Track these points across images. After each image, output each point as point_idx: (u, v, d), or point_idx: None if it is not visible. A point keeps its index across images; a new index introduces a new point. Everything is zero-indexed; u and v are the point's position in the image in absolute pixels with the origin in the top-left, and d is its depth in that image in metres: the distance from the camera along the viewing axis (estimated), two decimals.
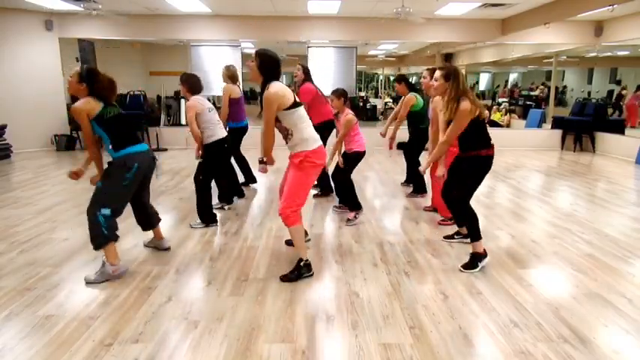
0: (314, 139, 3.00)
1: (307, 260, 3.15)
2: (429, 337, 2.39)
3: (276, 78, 2.96)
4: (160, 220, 3.60)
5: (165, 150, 9.22)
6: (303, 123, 2.97)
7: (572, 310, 2.70)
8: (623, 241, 3.91)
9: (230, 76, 5.13)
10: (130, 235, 3.95)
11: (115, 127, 3.03)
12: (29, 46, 8.58)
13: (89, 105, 2.96)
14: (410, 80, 5.43)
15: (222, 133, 4.21)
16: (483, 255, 3.32)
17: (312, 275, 3.14)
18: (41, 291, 2.90)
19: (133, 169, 3.03)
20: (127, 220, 4.35)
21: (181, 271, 3.23)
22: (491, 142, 3.28)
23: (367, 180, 6.34)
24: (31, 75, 8.61)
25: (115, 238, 3.15)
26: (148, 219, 3.52)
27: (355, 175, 4.92)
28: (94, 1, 6.98)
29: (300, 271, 3.11)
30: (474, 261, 3.30)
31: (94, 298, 2.81)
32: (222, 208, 4.80)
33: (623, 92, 12.09)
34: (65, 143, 8.98)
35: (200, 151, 4.18)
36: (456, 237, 3.89)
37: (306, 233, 3.65)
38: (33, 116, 8.68)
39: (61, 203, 5.04)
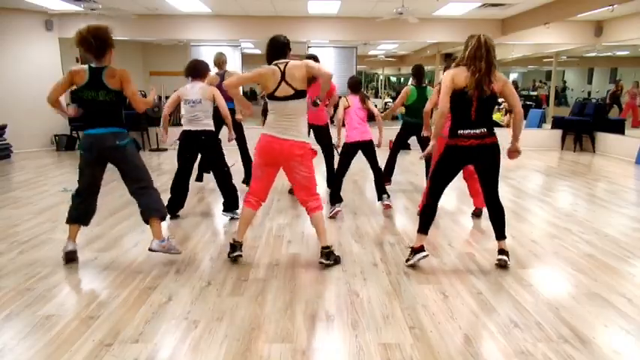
0: (265, 128, 3.17)
1: (232, 240, 3.36)
2: (429, 337, 2.39)
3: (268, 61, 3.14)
4: (151, 215, 3.23)
5: (165, 150, 9.22)
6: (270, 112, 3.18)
7: (572, 310, 2.70)
8: (623, 241, 3.91)
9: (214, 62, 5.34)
10: (130, 235, 3.95)
11: (84, 107, 3.19)
12: (29, 46, 8.58)
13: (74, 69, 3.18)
14: (424, 74, 5.52)
15: (191, 127, 4.48)
16: (417, 249, 3.28)
17: (236, 256, 3.31)
18: (41, 291, 2.89)
19: (83, 150, 3.18)
20: (127, 220, 4.38)
21: (181, 271, 3.23)
22: (468, 131, 3.04)
23: (367, 180, 6.33)
24: (31, 75, 8.59)
25: (70, 220, 3.25)
26: (141, 213, 3.28)
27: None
28: (94, 1, 6.98)
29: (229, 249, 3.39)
30: (410, 253, 3.37)
31: (94, 298, 2.82)
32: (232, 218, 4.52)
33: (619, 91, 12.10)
34: (65, 143, 8.98)
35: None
36: (503, 259, 3.30)
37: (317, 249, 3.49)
38: (33, 116, 8.66)
39: (61, 203, 5.03)
